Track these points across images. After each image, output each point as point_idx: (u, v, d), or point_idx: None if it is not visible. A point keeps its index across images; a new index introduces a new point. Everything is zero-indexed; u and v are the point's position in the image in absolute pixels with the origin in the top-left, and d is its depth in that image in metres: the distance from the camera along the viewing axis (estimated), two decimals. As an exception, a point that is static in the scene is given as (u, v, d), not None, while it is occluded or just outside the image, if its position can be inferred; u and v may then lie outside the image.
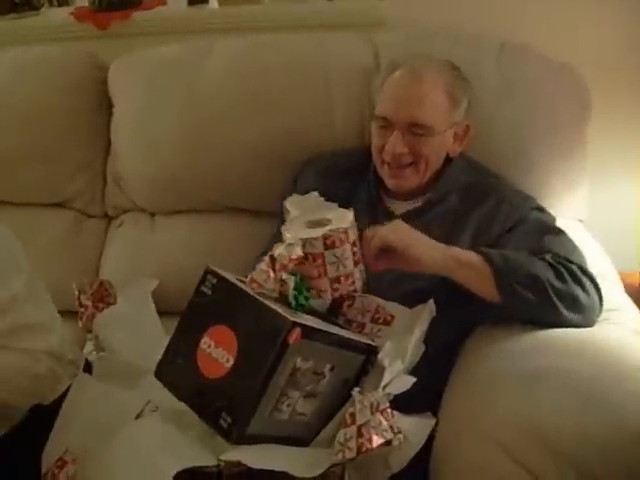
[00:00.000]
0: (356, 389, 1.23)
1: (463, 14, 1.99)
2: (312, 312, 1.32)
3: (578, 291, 1.36)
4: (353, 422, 1.18)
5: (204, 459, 1.15)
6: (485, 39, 1.85)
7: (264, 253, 1.32)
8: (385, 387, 1.25)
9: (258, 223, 1.85)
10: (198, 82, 1.86)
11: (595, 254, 1.66)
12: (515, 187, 1.61)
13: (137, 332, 1.64)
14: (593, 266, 1.45)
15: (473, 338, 1.44)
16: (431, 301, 1.39)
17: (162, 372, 1.27)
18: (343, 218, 1.34)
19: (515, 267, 1.35)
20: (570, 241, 1.48)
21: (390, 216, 1.56)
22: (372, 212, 1.57)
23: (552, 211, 1.59)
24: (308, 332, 1.18)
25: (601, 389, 1.17)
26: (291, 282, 1.26)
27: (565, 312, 1.35)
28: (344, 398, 1.27)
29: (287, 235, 1.32)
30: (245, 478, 1.14)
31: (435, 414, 1.30)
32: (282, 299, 1.26)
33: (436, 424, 1.27)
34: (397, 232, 1.35)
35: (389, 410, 1.20)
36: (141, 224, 1.98)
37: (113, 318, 1.67)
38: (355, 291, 1.37)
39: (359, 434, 1.16)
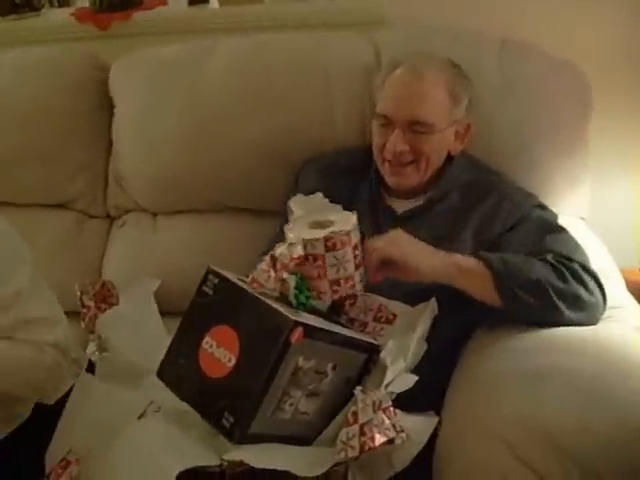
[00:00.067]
0: (358, 388, 1.23)
1: (463, 12, 1.99)
2: (314, 311, 1.32)
3: (580, 290, 1.36)
4: (355, 421, 1.18)
5: (207, 459, 1.15)
6: (486, 36, 1.85)
7: (266, 252, 1.32)
8: (387, 386, 1.25)
9: (259, 222, 1.85)
10: (199, 82, 1.86)
11: (597, 252, 1.66)
12: (516, 185, 1.61)
13: (140, 332, 1.64)
14: (595, 264, 1.45)
15: (475, 337, 1.44)
16: (433, 299, 1.39)
17: (164, 372, 1.27)
18: (346, 221, 1.33)
19: (515, 271, 1.35)
20: (572, 239, 1.48)
21: (392, 214, 1.56)
22: (373, 211, 1.58)
23: (554, 209, 1.59)
24: (310, 331, 1.18)
25: (604, 387, 1.16)
26: (292, 281, 1.26)
27: (567, 312, 1.34)
28: (346, 397, 1.27)
29: (290, 235, 1.31)
30: (248, 478, 1.14)
31: (438, 412, 1.30)
32: (283, 298, 1.26)
33: (439, 423, 1.27)
34: (395, 243, 1.35)
35: (391, 409, 1.20)
36: (143, 224, 1.98)
37: (116, 318, 1.67)
38: (354, 294, 1.37)
39: (362, 433, 1.16)
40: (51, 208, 2.02)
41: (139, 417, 1.28)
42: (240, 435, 1.15)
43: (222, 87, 1.84)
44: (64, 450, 1.27)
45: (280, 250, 1.27)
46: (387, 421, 1.18)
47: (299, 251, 1.26)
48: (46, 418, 1.34)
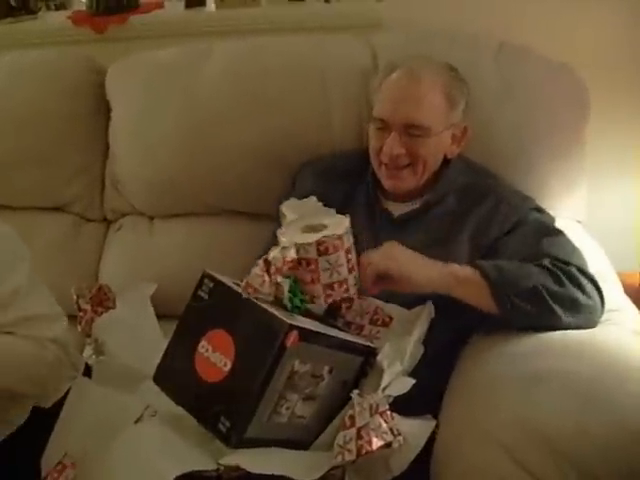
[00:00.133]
0: (355, 391, 1.23)
1: (461, 15, 1.99)
2: (310, 314, 1.32)
3: (577, 293, 1.36)
4: (352, 424, 1.18)
5: (203, 463, 1.15)
6: (483, 40, 1.85)
7: (262, 256, 1.32)
8: (385, 389, 1.25)
9: (256, 226, 1.85)
10: (195, 85, 1.86)
11: (594, 255, 1.66)
12: (513, 187, 1.60)
13: (136, 336, 1.64)
14: (592, 267, 1.45)
15: (473, 341, 1.44)
16: (430, 302, 1.39)
17: (160, 377, 1.27)
18: (339, 224, 1.33)
19: (511, 279, 1.35)
20: (569, 242, 1.48)
21: (388, 217, 1.56)
22: (370, 214, 1.57)
23: (551, 212, 1.59)
24: (306, 335, 1.18)
25: (601, 390, 1.16)
26: (286, 285, 1.25)
27: (565, 316, 1.34)
28: (343, 400, 1.27)
29: (282, 239, 1.31)
30: (244, 482, 1.14)
31: (435, 416, 1.30)
32: (278, 302, 1.26)
33: (436, 426, 1.26)
34: (390, 256, 1.35)
35: (389, 412, 1.20)
36: (140, 228, 1.97)
37: (112, 322, 1.67)
38: (349, 298, 1.36)
39: (359, 436, 1.16)
40: (48, 211, 2.02)
41: (136, 421, 1.28)
42: (236, 439, 1.15)
43: (219, 90, 1.84)
44: (60, 454, 1.27)
45: (273, 254, 1.27)
46: (384, 425, 1.17)
47: (292, 254, 1.26)
48: (43, 422, 1.35)
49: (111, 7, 2.27)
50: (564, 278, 1.36)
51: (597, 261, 1.63)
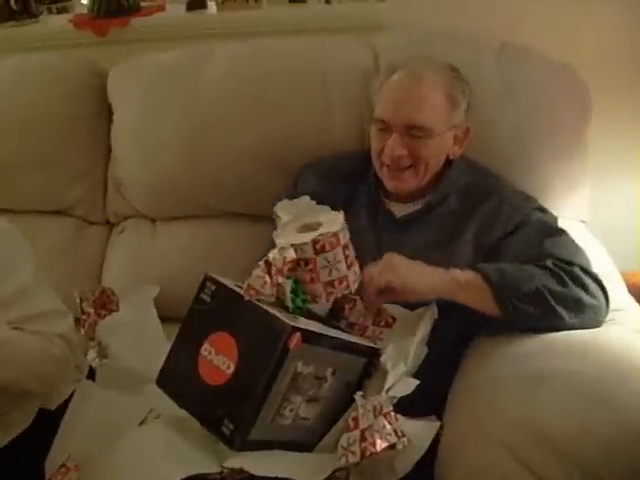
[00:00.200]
0: (359, 393, 1.23)
1: (462, 16, 1.98)
2: (313, 316, 1.32)
3: (581, 293, 1.36)
4: (356, 426, 1.18)
5: (207, 466, 1.15)
6: (485, 40, 1.84)
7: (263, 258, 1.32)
8: (388, 390, 1.25)
9: (258, 227, 1.84)
10: (197, 87, 1.86)
11: (597, 255, 1.65)
12: (515, 187, 1.60)
13: (140, 339, 1.65)
14: (596, 267, 1.44)
15: (476, 342, 1.44)
16: (433, 303, 1.39)
17: (163, 380, 1.27)
18: (334, 221, 1.33)
19: (513, 282, 1.35)
20: (572, 242, 1.47)
21: (391, 218, 1.56)
22: (373, 215, 1.57)
23: (554, 212, 1.58)
24: (308, 336, 1.17)
25: (605, 389, 1.17)
26: (287, 286, 1.26)
27: (569, 317, 1.34)
28: (347, 402, 1.27)
29: (279, 241, 1.31)
30: (248, 485, 1.14)
31: (439, 417, 1.30)
32: (280, 303, 1.26)
33: (441, 428, 1.26)
34: (391, 269, 1.36)
35: (393, 413, 1.20)
36: (142, 230, 1.97)
37: (116, 325, 1.67)
38: (350, 293, 1.36)
39: (362, 438, 1.16)
40: (50, 214, 2.02)
41: (140, 424, 1.28)
42: (240, 442, 1.15)
43: (220, 92, 1.84)
44: (64, 456, 1.28)
45: (273, 255, 1.27)
46: (388, 426, 1.17)
47: (292, 254, 1.26)
48: (47, 424, 1.35)
49: (112, 10, 2.27)
50: (567, 279, 1.35)
51: (601, 261, 1.62)
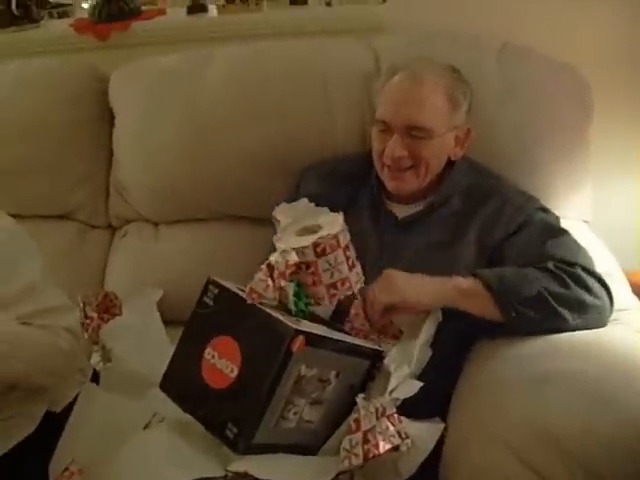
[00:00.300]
0: (360, 395, 1.23)
1: (462, 17, 1.98)
2: (316, 319, 1.32)
3: (584, 295, 1.35)
4: (358, 428, 1.18)
5: (211, 470, 1.15)
6: (485, 40, 1.84)
7: (265, 261, 1.32)
8: (392, 392, 1.25)
9: (259, 231, 1.83)
10: (198, 91, 1.86)
11: (600, 254, 1.64)
12: (517, 187, 1.60)
13: (143, 342, 1.64)
14: (599, 266, 1.44)
15: (480, 344, 1.44)
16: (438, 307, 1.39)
17: (167, 384, 1.27)
18: (333, 223, 1.33)
19: (514, 286, 1.35)
20: (574, 242, 1.47)
21: (392, 220, 1.56)
22: (375, 216, 1.57)
23: (556, 212, 1.58)
24: (312, 339, 1.17)
25: (608, 389, 1.16)
26: (290, 289, 1.25)
27: (572, 319, 1.34)
28: (351, 404, 1.26)
29: (279, 245, 1.31)
30: (252, 488, 1.13)
31: (443, 418, 1.30)
32: (282, 306, 1.26)
33: (445, 429, 1.26)
34: (391, 287, 1.36)
35: (396, 415, 1.19)
36: (145, 234, 1.98)
37: (119, 329, 1.67)
38: (353, 294, 1.36)
39: (365, 440, 1.16)
40: (53, 219, 2.02)
41: (144, 428, 1.28)
42: (244, 446, 1.14)
43: (221, 96, 1.84)
44: (67, 460, 1.28)
45: (275, 258, 1.27)
46: (391, 428, 1.17)
47: (294, 257, 1.26)
48: (51, 428, 1.35)
49: (113, 14, 2.28)
50: (569, 280, 1.35)
51: (603, 261, 1.62)
